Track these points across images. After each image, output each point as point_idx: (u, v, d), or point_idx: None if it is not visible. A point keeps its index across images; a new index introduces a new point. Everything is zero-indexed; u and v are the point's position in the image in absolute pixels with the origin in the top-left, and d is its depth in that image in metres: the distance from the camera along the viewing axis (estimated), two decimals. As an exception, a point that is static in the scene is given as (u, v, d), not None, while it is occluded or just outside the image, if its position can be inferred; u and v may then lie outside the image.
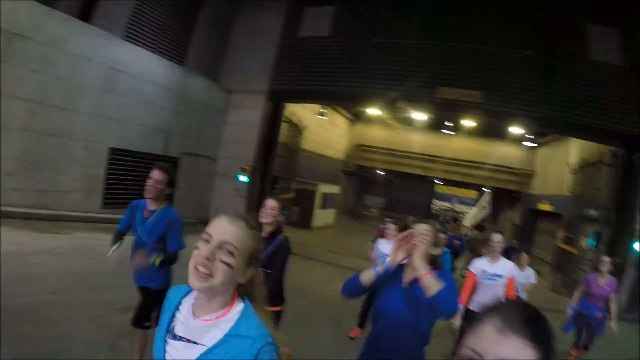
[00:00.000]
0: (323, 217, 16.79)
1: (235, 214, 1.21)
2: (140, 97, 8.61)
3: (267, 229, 3.02)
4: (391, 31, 9.70)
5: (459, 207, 30.75)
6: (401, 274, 2.19)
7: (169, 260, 2.86)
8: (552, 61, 8.55)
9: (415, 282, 2.08)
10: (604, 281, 4.81)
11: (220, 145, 11.19)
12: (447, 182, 24.36)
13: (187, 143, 10.11)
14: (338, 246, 12.10)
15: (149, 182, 2.83)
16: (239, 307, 1.20)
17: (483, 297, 3.91)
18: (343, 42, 10.12)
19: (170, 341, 1.20)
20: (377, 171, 23.30)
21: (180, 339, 1.18)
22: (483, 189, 21.47)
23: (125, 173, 8.48)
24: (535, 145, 17.74)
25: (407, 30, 9.46)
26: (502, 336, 0.72)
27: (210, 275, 1.11)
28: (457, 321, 3.99)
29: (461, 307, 3.85)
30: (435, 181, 25.39)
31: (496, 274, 3.94)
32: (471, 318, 3.18)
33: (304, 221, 15.46)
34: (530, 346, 0.71)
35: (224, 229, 1.16)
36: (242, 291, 1.24)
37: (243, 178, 10.66)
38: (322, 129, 17.44)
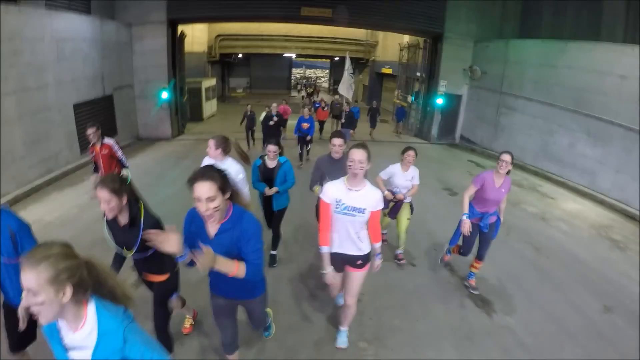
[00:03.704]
0: (209, 107, 19.85)
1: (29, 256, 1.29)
2: (79, 55, 10.13)
3: (121, 220, 2.62)
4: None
5: (312, 72, 34.08)
6: (204, 229, 2.22)
7: None
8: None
9: (219, 233, 2.19)
10: (499, 182, 4.19)
11: (134, 73, 13.14)
12: (302, 57, 28.17)
13: (114, 80, 12.01)
14: (224, 126, 16.51)
15: None
16: (91, 309, 1.42)
17: (338, 236, 3.06)
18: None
19: (69, 351, 1.47)
20: (239, 55, 25.73)
21: (74, 348, 1.45)
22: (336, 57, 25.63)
23: (88, 120, 10.48)
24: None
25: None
26: None
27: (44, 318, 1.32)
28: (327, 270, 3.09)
29: (324, 249, 3.03)
30: (291, 55, 28.65)
31: (355, 207, 2.90)
32: (334, 259, 3.11)
33: (196, 115, 18.42)
34: None
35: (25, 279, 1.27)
36: (86, 294, 1.40)
37: (165, 94, 13.18)
38: (187, 28, 18.94)
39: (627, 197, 8.47)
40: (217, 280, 2.44)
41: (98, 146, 5.31)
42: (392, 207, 5.06)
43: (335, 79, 32.27)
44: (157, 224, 2.66)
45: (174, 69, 13.81)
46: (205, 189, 2.00)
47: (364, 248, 3.10)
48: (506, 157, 4.12)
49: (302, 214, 6.54)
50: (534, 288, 4.96)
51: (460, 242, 4.73)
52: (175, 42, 13.72)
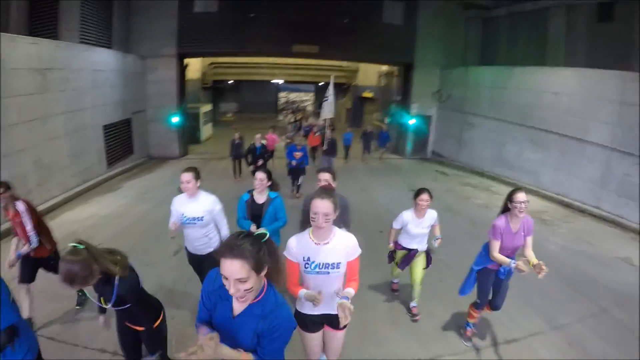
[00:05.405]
0: (206, 130, 21.55)
1: None
2: (108, 84, 11.88)
3: (97, 282, 2.39)
4: (263, 8, 14.63)
5: (296, 96, 35.44)
6: (229, 302, 1.86)
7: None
8: (358, 25, 15.37)
9: (245, 313, 1.82)
10: (516, 227, 3.53)
11: (147, 99, 14.89)
12: (289, 82, 30.51)
13: (132, 105, 13.75)
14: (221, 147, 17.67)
15: None
16: None
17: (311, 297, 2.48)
18: (228, 16, 14.62)
19: None
20: (229, 82, 27.67)
21: None
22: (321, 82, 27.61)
23: (113, 139, 12.26)
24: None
25: (271, 8, 14.58)
26: None
27: None
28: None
29: (301, 293, 2.53)
30: (278, 82, 30.85)
31: (327, 263, 2.48)
32: (303, 322, 2.69)
33: (195, 138, 20.00)
34: None
35: None
36: None
37: (175, 119, 14.91)
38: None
39: (564, 190, 10.67)
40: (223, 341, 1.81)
41: (10, 211, 4.01)
42: (404, 256, 4.41)
43: (320, 102, 33.98)
44: (134, 284, 2.54)
45: (181, 96, 15.62)
46: (234, 268, 1.62)
47: None
48: (522, 197, 3.44)
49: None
50: (465, 241, 6.79)
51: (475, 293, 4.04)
52: (182, 73, 15.58)
